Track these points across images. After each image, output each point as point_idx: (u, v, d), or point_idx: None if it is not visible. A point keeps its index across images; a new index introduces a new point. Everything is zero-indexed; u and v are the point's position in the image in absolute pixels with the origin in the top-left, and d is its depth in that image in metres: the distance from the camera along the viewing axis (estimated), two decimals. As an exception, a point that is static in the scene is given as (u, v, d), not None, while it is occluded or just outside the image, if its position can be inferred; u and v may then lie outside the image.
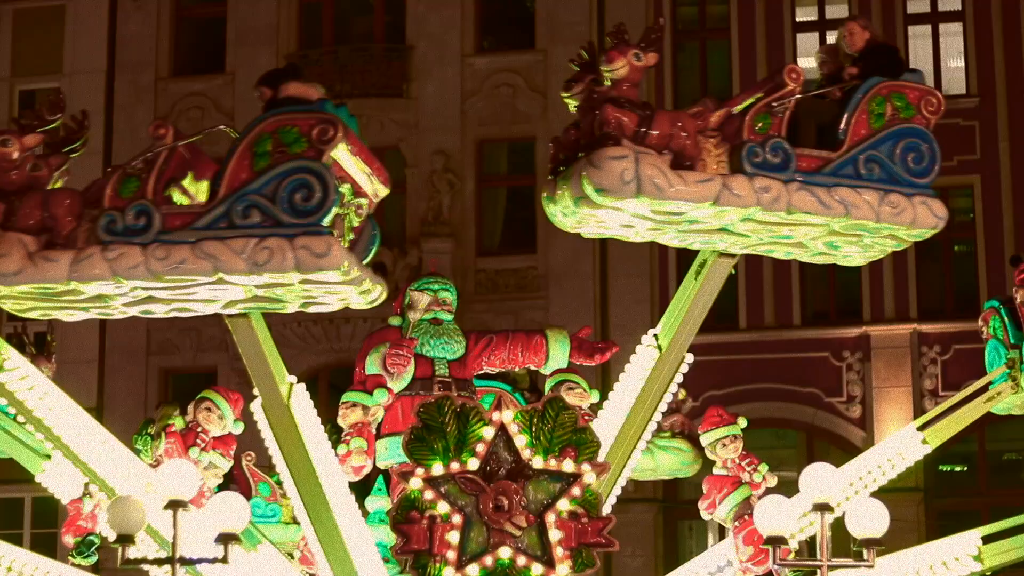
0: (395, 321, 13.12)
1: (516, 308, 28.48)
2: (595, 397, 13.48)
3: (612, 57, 11.38)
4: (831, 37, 29.78)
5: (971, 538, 13.94)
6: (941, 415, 14.35)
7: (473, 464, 9.87)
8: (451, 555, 9.77)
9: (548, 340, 13.25)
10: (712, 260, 12.40)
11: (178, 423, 13.69)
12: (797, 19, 30.02)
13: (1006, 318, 14.06)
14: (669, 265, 29.12)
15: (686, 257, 29.29)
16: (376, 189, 11.66)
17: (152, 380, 30.15)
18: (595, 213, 11.46)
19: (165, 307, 11.49)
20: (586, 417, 13.40)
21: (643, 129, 11.20)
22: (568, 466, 9.91)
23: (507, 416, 9.93)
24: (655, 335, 12.79)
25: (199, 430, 13.74)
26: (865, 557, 10.81)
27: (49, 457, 13.68)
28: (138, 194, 11.03)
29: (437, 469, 9.86)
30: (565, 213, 11.64)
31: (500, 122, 30.13)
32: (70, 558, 13.20)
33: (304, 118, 11.01)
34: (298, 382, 12.26)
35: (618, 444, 12.58)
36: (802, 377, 28.05)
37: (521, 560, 9.80)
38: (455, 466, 9.87)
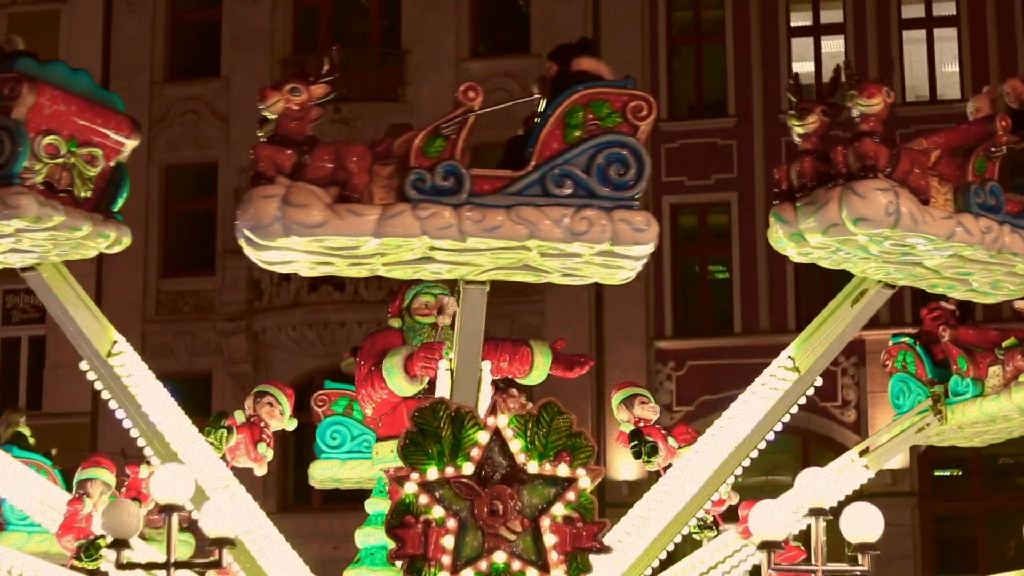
0: (395, 323, 13.12)
1: (512, 312, 28.47)
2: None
3: (872, 92, 11.74)
4: (825, 42, 29.99)
5: None
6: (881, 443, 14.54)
7: (468, 469, 9.84)
8: (446, 560, 9.75)
9: (534, 351, 13.31)
10: (875, 290, 12.81)
11: (239, 417, 13.62)
12: (792, 24, 30.04)
13: (921, 354, 14.26)
14: (664, 269, 29.13)
15: (681, 264, 29.34)
16: None
17: (147, 384, 30.12)
18: (833, 241, 11.82)
19: (411, 269, 11.49)
20: (663, 432, 13.72)
21: (889, 167, 11.56)
22: (563, 471, 9.89)
23: (502, 421, 9.92)
24: (790, 356, 13.27)
25: (262, 425, 13.67)
26: (859, 562, 10.79)
27: None
28: (445, 154, 11.01)
29: (432, 474, 9.83)
30: (797, 238, 11.99)
31: (496, 126, 30.02)
32: (75, 562, 13.15)
33: (616, 94, 11.12)
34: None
35: (732, 458, 13.04)
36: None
37: (516, 565, 9.78)
38: (450, 471, 9.84)
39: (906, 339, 14.48)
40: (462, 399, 11.73)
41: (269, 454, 13.61)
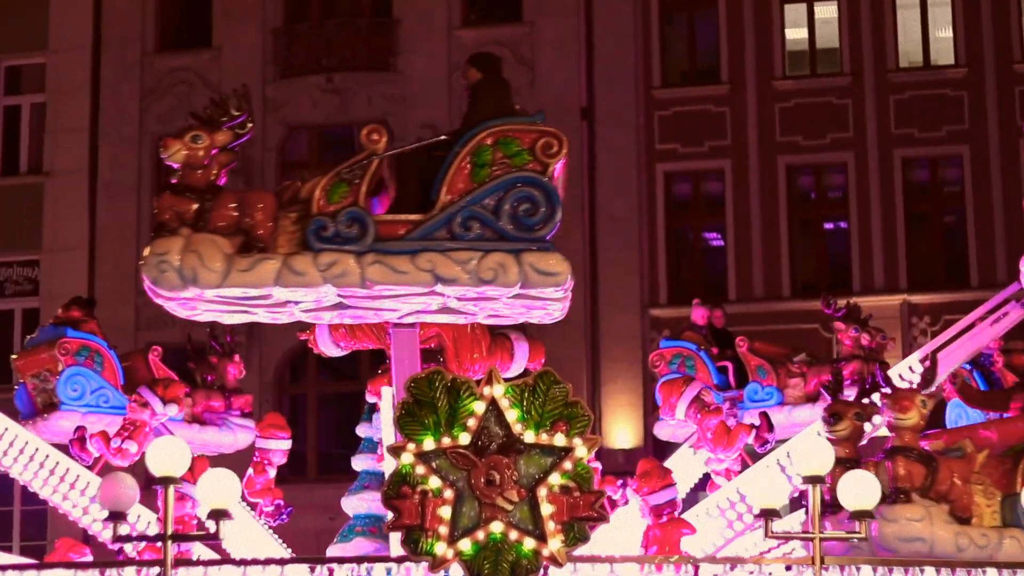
0: None
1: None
2: None
3: None
4: (818, 8, 29.88)
5: None
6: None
7: (464, 439, 9.88)
8: (443, 530, 9.80)
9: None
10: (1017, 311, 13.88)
11: None
12: (785, -10, 29.95)
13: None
14: (658, 237, 29.08)
15: (675, 232, 29.28)
16: None
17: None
18: None
19: (329, 315, 11.61)
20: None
21: None
22: (559, 440, 9.92)
23: (498, 391, 9.94)
24: (922, 361, 14.06)
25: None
26: (857, 528, 10.79)
27: None
28: (348, 200, 11.12)
29: (428, 444, 9.87)
30: None
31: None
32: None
33: (525, 130, 11.27)
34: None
35: None
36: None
37: (513, 534, 9.83)
38: (446, 441, 9.87)
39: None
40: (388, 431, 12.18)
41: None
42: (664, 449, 17.14)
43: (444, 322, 11.94)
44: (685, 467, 15.00)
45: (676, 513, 13.44)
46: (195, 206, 11.09)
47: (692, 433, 15.08)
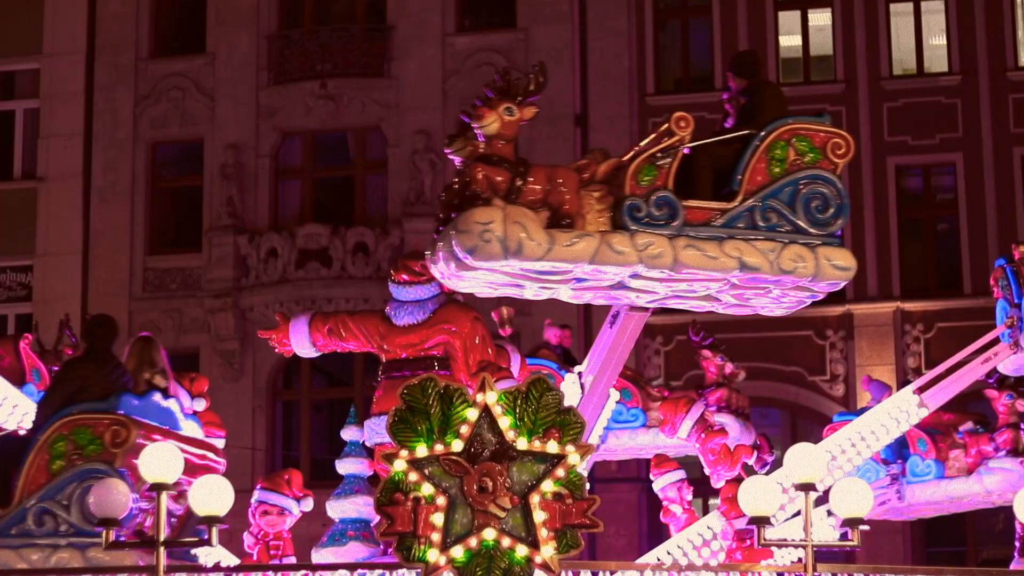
0: None
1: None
2: None
3: None
4: (812, 15, 29.96)
5: None
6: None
7: (457, 446, 9.87)
8: (436, 537, 9.79)
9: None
10: (1006, 351, 14.00)
11: None
12: (779, -3, 30.00)
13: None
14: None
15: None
16: None
17: (134, 361, 30.05)
18: None
19: (592, 295, 11.87)
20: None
21: None
22: (552, 447, 9.92)
23: (491, 398, 9.94)
24: (917, 394, 14.37)
25: None
26: (849, 537, 10.81)
27: None
28: (658, 183, 11.37)
29: (421, 451, 9.86)
30: None
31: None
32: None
33: (817, 130, 11.77)
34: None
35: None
36: (785, 356, 28.04)
37: (506, 541, 9.83)
38: (439, 448, 9.87)
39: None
40: (587, 412, 12.46)
41: None
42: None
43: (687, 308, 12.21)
44: None
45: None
46: (508, 177, 11.24)
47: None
